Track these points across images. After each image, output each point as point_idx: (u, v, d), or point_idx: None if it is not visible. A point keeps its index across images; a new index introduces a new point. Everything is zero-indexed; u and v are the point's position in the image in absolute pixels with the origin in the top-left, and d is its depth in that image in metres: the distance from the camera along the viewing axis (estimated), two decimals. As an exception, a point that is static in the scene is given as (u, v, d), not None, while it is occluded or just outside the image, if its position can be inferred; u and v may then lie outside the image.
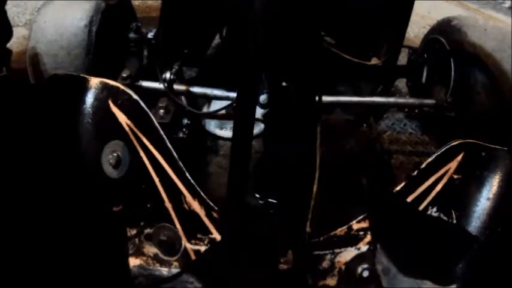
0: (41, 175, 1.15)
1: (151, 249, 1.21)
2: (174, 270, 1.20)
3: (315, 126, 1.03)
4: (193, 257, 1.19)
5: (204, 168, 1.77)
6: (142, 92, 1.65)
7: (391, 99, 1.87)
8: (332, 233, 1.20)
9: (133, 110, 1.18)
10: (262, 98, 1.00)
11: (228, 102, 1.57)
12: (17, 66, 1.73)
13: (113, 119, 1.18)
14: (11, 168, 1.11)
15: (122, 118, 1.18)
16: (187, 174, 1.17)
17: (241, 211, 1.04)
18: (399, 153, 1.97)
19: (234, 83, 1.60)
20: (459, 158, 1.19)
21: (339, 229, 1.20)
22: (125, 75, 1.66)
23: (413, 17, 1.76)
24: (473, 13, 3.28)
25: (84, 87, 1.19)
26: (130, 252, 1.21)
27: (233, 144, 1.01)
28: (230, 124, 1.83)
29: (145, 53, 1.79)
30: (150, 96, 1.61)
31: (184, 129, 1.69)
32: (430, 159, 1.20)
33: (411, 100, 1.90)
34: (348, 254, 1.20)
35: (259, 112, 0.99)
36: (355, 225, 1.20)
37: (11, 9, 1.37)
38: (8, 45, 1.41)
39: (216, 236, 1.18)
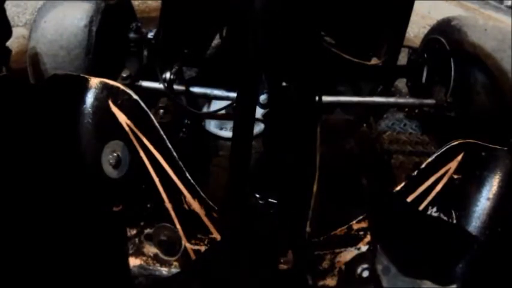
0: (41, 175, 1.15)
1: (151, 249, 1.21)
2: (174, 270, 1.20)
3: (315, 126, 1.03)
4: (193, 257, 1.19)
5: (204, 168, 1.77)
6: (142, 92, 1.65)
7: (391, 99, 1.87)
8: (332, 233, 1.20)
9: (133, 110, 1.18)
10: (262, 98, 1.00)
11: (228, 102, 1.57)
12: (17, 66, 1.73)
13: (113, 119, 1.18)
14: (11, 168, 1.11)
15: (122, 118, 1.18)
16: (187, 174, 1.17)
17: (241, 211, 1.04)
18: (399, 153, 1.97)
19: (234, 83, 1.60)
20: (459, 158, 1.19)
21: (339, 229, 1.20)
22: (124, 75, 1.66)
23: (413, 17, 1.76)
24: (473, 13, 3.28)
25: (84, 87, 1.19)
26: (130, 252, 1.21)
27: (233, 144, 1.01)
28: (230, 124, 1.83)
29: (145, 53, 1.79)
30: (150, 96, 1.61)
31: (184, 129, 1.69)
32: (430, 159, 1.20)
33: (411, 100, 1.90)
34: (348, 254, 1.20)
35: (259, 112, 0.99)
36: (355, 225, 1.20)
37: (11, 9, 1.36)
38: (8, 45, 1.41)
39: (216, 236, 1.18)
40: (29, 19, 2.59)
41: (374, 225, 1.19)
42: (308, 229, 1.07)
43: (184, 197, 1.17)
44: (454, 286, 1.16)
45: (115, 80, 1.37)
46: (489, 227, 1.15)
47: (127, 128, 1.17)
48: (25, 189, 1.12)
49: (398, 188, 1.20)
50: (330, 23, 1.60)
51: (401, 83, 2.24)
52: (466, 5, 3.43)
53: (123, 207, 1.20)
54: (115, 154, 1.17)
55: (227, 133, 1.92)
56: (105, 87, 1.19)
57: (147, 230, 1.21)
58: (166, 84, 1.63)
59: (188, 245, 1.19)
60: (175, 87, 1.66)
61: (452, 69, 1.77)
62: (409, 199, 1.19)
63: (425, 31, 2.15)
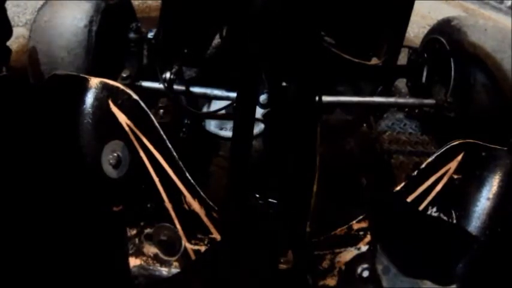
0: (41, 175, 1.15)
1: (151, 249, 1.21)
2: (174, 270, 1.20)
3: (315, 126, 1.03)
4: (193, 257, 1.19)
5: (204, 168, 1.77)
6: (143, 92, 1.65)
7: (391, 99, 1.86)
8: (332, 233, 1.20)
9: (133, 110, 1.18)
10: (262, 98, 1.00)
11: (228, 102, 1.57)
12: (17, 66, 1.73)
13: (113, 119, 1.18)
14: (11, 168, 1.11)
15: (122, 118, 1.18)
16: (187, 174, 1.17)
17: (241, 211, 1.04)
18: (399, 153, 1.97)
19: (234, 83, 1.60)
20: (459, 158, 1.19)
21: (339, 229, 1.20)
22: (124, 75, 1.66)
23: (413, 17, 1.76)
24: (473, 13, 3.28)
25: (84, 87, 1.19)
26: (131, 252, 1.21)
27: (233, 144, 1.01)
28: (230, 124, 1.82)
29: (145, 53, 1.79)
30: (150, 96, 1.61)
31: (184, 129, 1.69)
32: (430, 159, 1.20)
33: (411, 100, 1.90)
34: (348, 254, 1.20)
35: (259, 112, 0.99)
36: (355, 225, 1.20)
37: (11, 9, 1.36)
38: (8, 45, 1.41)
39: (216, 236, 1.18)
40: (29, 19, 2.58)
41: (374, 225, 1.19)
42: (308, 229, 1.07)
43: (184, 197, 1.17)
44: (454, 286, 1.16)
45: (115, 80, 1.37)
46: (489, 227, 1.15)
47: (127, 128, 1.17)
48: (25, 189, 1.12)
49: (398, 188, 1.20)
50: (330, 23, 1.60)
51: (401, 83, 2.24)
52: (466, 5, 3.42)
53: (123, 207, 1.20)
54: (115, 154, 1.17)
55: (227, 133, 1.92)
56: (105, 87, 1.19)
57: (147, 230, 1.21)
58: (166, 84, 1.63)
59: (188, 245, 1.19)
60: (175, 87, 1.66)
61: (452, 69, 1.77)
62: (409, 199, 1.20)
63: (425, 31, 2.15)
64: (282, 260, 1.04)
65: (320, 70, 1.02)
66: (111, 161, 1.17)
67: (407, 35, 1.79)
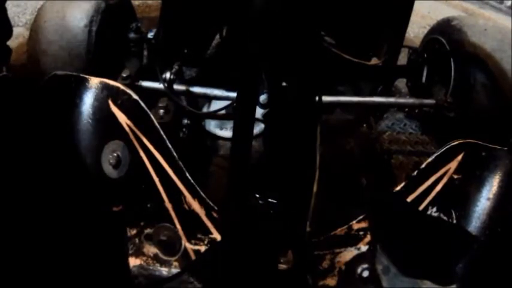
0: (41, 175, 1.15)
1: (151, 249, 1.21)
2: (174, 270, 1.20)
3: (315, 126, 1.03)
4: (193, 257, 1.19)
5: (204, 168, 1.77)
6: (143, 92, 1.64)
7: (391, 99, 1.87)
8: (332, 233, 1.20)
9: (133, 110, 1.18)
10: (262, 98, 1.00)
11: (228, 102, 1.57)
12: (17, 66, 1.74)
13: (113, 119, 1.18)
14: (11, 168, 1.11)
15: (122, 118, 1.18)
16: (187, 174, 1.17)
17: (241, 211, 1.04)
18: (399, 153, 1.97)
19: (234, 83, 1.60)
20: (459, 158, 1.19)
21: (339, 229, 1.20)
22: (124, 75, 1.66)
23: (413, 17, 1.76)
24: (473, 13, 3.28)
25: (84, 87, 1.19)
26: (131, 252, 1.21)
27: (233, 144, 1.01)
28: (230, 124, 1.82)
29: (145, 53, 1.79)
30: (150, 96, 1.61)
31: (184, 129, 1.68)
32: (430, 159, 1.20)
33: (411, 100, 1.90)
34: (348, 254, 1.20)
35: (259, 112, 0.99)
36: (355, 225, 1.20)
37: (11, 9, 1.36)
38: (8, 45, 1.41)
39: (216, 236, 1.18)
40: (29, 19, 2.58)
41: (374, 225, 1.19)
42: (308, 229, 1.07)
43: (184, 197, 1.17)
44: (454, 286, 1.16)
45: (115, 80, 1.37)
46: (489, 227, 1.15)
47: (127, 128, 1.17)
48: (25, 190, 1.12)
49: (398, 188, 1.20)
50: (330, 23, 1.60)
51: (401, 83, 2.24)
52: (466, 5, 3.42)
53: (123, 207, 1.20)
54: (115, 154, 1.17)
55: (227, 133, 1.92)
56: (105, 87, 1.19)
57: (147, 230, 1.21)
58: (166, 84, 1.63)
59: (188, 245, 1.19)
60: (175, 87, 1.66)
61: (452, 69, 1.77)
62: (409, 199, 1.20)
63: (425, 31, 2.15)
64: (282, 260, 1.04)
65: (320, 70, 1.02)
66: (111, 161, 1.17)
67: (407, 35, 1.79)
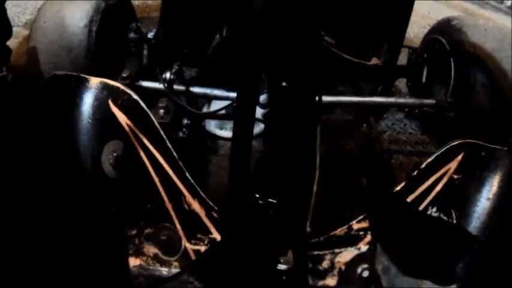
0: (41, 175, 1.15)
1: (151, 249, 1.21)
2: (174, 270, 1.20)
3: (315, 126, 1.03)
4: (193, 257, 1.19)
5: (204, 168, 1.77)
6: (143, 92, 1.65)
7: (391, 99, 1.87)
8: (332, 233, 1.20)
9: (133, 110, 1.18)
10: (262, 98, 1.00)
11: (228, 102, 1.57)
12: (17, 66, 1.74)
13: (113, 119, 1.18)
14: (11, 168, 1.11)
15: (122, 118, 1.18)
16: (187, 174, 1.17)
17: (241, 211, 1.04)
18: (399, 153, 1.97)
19: (234, 83, 1.60)
20: (459, 158, 1.19)
21: (339, 229, 1.20)
22: (125, 75, 1.66)
23: (413, 17, 1.76)
24: (473, 13, 3.28)
25: (84, 87, 1.19)
26: (130, 252, 1.21)
27: (233, 144, 1.01)
28: (230, 124, 1.83)
29: (145, 53, 1.79)
30: (150, 96, 1.61)
31: (184, 129, 1.69)
32: (430, 159, 1.20)
33: (411, 100, 1.90)
34: (348, 254, 1.20)
35: (259, 112, 0.99)
36: (355, 225, 1.20)
37: (11, 9, 1.36)
38: (8, 45, 1.41)
39: (216, 236, 1.18)
40: (29, 19, 2.59)
41: (374, 225, 1.19)
42: (308, 229, 1.07)
43: (184, 197, 1.17)
44: (454, 286, 1.16)
45: (115, 80, 1.37)
46: (489, 227, 1.15)
47: (127, 128, 1.17)
48: (25, 190, 1.12)
49: (398, 188, 1.20)
50: (330, 23, 1.60)
51: (401, 83, 2.24)
52: (466, 5, 3.43)
53: (123, 207, 1.20)
54: (115, 154, 1.17)
55: (227, 133, 1.92)
56: (105, 87, 1.19)
57: (147, 230, 1.21)
58: (166, 84, 1.63)
59: (188, 245, 1.19)
60: (175, 87, 1.66)
61: (452, 69, 1.78)
62: (409, 199, 1.19)
63: (425, 31, 2.15)
64: (282, 260, 1.04)
65: (320, 70, 1.02)
66: (111, 161, 1.17)
67: (407, 35, 1.79)
